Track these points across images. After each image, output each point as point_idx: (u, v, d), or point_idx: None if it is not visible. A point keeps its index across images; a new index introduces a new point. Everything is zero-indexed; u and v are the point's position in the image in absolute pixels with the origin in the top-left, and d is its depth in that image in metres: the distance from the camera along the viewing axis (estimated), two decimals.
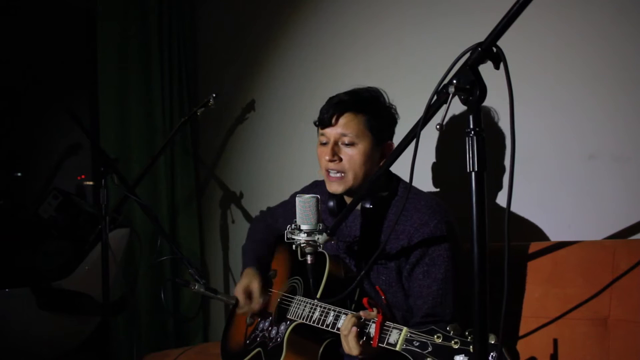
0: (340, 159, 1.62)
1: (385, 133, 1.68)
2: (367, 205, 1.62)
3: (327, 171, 1.65)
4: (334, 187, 1.65)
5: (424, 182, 2.07)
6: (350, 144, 1.61)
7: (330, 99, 1.67)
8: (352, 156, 1.61)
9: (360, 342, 1.37)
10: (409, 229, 1.57)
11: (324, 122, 1.64)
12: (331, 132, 1.63)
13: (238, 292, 1.82)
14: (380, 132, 1.64)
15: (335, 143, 1.63)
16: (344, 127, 1.61)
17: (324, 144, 1.65)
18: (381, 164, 1.67)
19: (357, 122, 1.61)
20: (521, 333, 1.59)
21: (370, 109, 1.64)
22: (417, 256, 1.55)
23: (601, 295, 1.47)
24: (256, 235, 2.02)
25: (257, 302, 1.79)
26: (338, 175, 1.63)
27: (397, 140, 1.69)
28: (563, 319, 1.51)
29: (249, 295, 1.80)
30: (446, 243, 1.54)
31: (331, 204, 1.68)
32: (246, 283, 1.82)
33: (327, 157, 1.62)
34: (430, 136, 2.03)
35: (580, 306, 1.49)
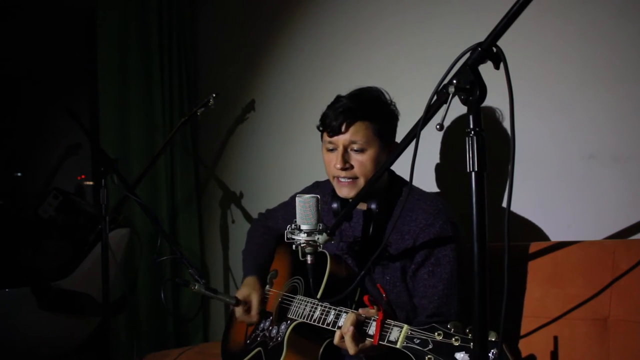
0: (352, 166, 1.61)
1: (391, 134, 1.68)
2: (372, 207, 1.62)
3: (337, 177, 1.65)
4: (345, 192, 1.64)
5: (424, 182, 2.07)
6: (360, 150, 1.60)
7: (335, 105, 1.64)
8: (363, 162, 1.60)
9: (357, 341, 1.37)
10: (414, 230, 1.57)
11: (333, 129, 1.61)
12: (340, 140, 1.61)
13: (237, 312, 1.83)
14: (386, 135, 1.64)
15: (345, 150, 1.61)
16: (353, 134, 1.59)
17: (331, 150, 1.64)
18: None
19: (366, 129, 1.60)
20: (521, 333, 1.59)
21: (377, 114, 1.62)
22: (423, 256, 1.55)
23: (601, 295, 1.47)
24: (256, 239, 2.02)
25: (254, 316, 1.80)
26: (349, 180, 1.63)
27: (398, 139, 1.70)
28: (563, 319, 1.51)
29: (247, 307, 1.81)
30: (452, 243, 1.54)
31: (335, 205, 1.68)
32: (245, 294, 1.82)
33: (338, 166, 1.60)
34: (430, 136, 2.03)
35: (580, 306, 1.49)
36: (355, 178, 1.62)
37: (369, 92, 1.67)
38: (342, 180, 1.63)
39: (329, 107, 1.66)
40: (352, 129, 1.59)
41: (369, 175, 1.61)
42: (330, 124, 1.61)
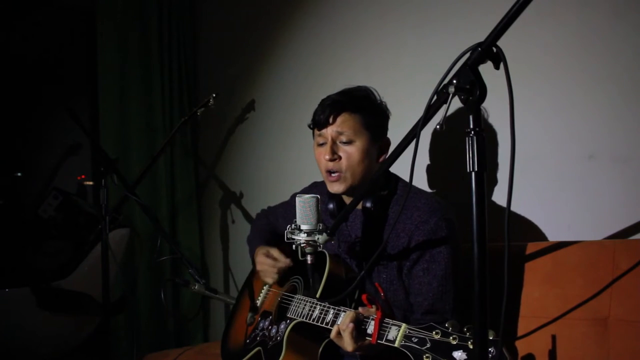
0: (340, 157, 1.63)
1: (381, 130, 1.70)
2: (367, 205, 1.62)
3: (328, 172, 1.65)
4: (335, 187, 1.65)
5: (424, 182, 2.07)
6: (348, 142, 1.62)
7: (324, 100, 1.69)
8: (351, 154, 1.62)
9: (356, 339, 1.37)
10: (409, 227, 1.57)
11: (320, 122, 1.65)
12: (328, 131, 1.64)
13: (260, 262, 1.78)
14: (376, 129, 1.66)
15: (334, 142, 1.64)
16: (341, 125, 1.63)
17: (322, 145, 1.66)
18: (380, 161, 1.68)
19: (353, 121, 1.63)
20: (521, 333, 1.59)
21: (365, 107, 1.66)
22: (418, 254, 1.56)
23: (601, 295, 1.47)
24: (261, 227, 2.04)
25: (283, 260, 1.75)
26: (337, 174, 1.63)
27: (397, 140, 1.70)
28: (563, 319, 1.51)
29: (273, 259, 1.77)
30: (446, 240, 1.55)
31: (331, 206, 1.69)
32: (265, 252, 1.79)
33: (326, 157, 1.62)
34: (430, 136, 2.03)
35: (580, 306, 1.49)
36: (341, 172, 1.63)
37: (358, 89, 1.71)
38: (332, 175, 1.64)
39: (318, 105, 1.70)
40: (339, 120, 1.63)
41: (356, 167, 1.62)
42: (318, 117, 1.65)
